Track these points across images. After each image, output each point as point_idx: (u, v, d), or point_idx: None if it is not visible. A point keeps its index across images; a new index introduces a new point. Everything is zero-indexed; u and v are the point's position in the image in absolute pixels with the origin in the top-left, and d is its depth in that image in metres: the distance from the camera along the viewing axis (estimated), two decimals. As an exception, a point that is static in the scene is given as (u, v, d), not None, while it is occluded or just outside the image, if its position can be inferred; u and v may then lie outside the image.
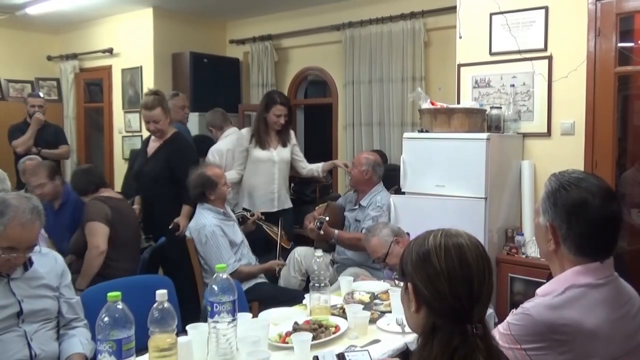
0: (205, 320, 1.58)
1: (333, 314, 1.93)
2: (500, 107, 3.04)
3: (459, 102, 3.22)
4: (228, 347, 1.53)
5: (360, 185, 3.14)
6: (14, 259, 1.64)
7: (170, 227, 2.97)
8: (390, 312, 1.95)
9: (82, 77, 5.77)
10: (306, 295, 2.06)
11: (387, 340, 1.74)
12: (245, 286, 2.68)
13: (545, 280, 1.30)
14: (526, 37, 3.02)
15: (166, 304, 1.41)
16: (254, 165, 3.53)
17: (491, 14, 3.13)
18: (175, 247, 2.88)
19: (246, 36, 5.19)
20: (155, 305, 1.41)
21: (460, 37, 3.27)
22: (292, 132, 3.64)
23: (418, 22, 4.06)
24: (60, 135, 4.70)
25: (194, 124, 4.50)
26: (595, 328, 1.14)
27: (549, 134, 2.99)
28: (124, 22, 5.21)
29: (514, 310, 1.22)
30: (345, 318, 1.85)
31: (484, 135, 2.81)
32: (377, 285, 2.32)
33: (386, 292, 2.13)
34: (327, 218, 3.03)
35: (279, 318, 1.92)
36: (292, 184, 4.10)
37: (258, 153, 3.51)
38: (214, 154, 3.74)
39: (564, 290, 1.18)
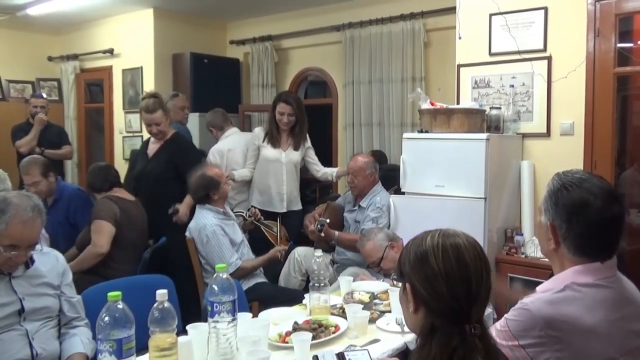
0: (206, 320, 1.58)
1: (333, 314, 1.93)
2: (500, 108, 3.04)
3: (458, 103, 3.22)
4: (228, 347, 1.53)
5: (366, 189, 3.13)
6: (15, 257, 1.64)
7: (170, 211, 2.97)
8: (389, 311, 1.96)
9: (83, 78, 5.78)
10: (306, 295, 2.06)
11: (386, 340, 1.75)
12: (246, 286, 2.69)
13: (546, 280, 1.30)
14: (525, 37, 3.02)
15: (166, 304, 1.41)
16: (263, 164, 3.56)
17: (491, 15, 3.13)
18: (175, 247, 2.88)
19: (246, 37, 5.20)
20: (155, 305, 1.41)
21: (460, 38, 3.27)
22: (307, 136, 3.60)
23: (418, 22, 4.06)
24: (63, 136, 4.72)
25: (194, 124, 4.51)
26: (593, 326, 1.14)
27: (548, 134, 2.99)
28: (125, 22, 5.21)
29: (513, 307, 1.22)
30: (345, 318, 1.86)
31: (484, 135, 2.82)
32: (377, 285, 2.32)
33: (386, 292, 2.13)
34: (328, 220, 3.03)
35: (279, 318, 1.93)
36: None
37: (267, 152, 3.53)
38: (215, 154, 3.75)
39: (564, 288, 1.18)
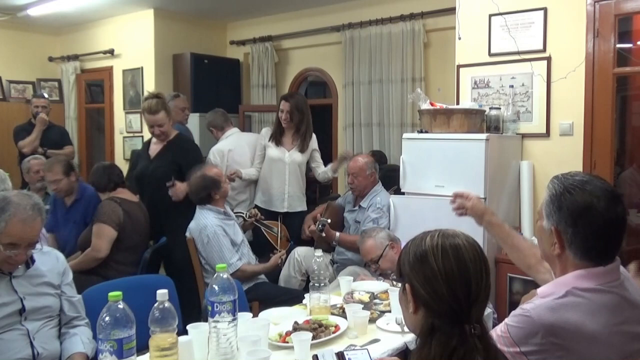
0: (206, 320, 1.59)
1: (333, 314, 1.94)
2: (499, 108, 3.05)
3: (458, 103, 3.23)
4: (228, 347, 1.54)
5: (367, 189, 3.14)
6: (15, 256, 1.64)
7: (168, 184, 2.93)
8: (389, 311, 1.96)
9: (83, 78, 5.79)
10: (306, 295, 2.07)
11: (386, 340, 1.75)
12: (246, 286, 2.69)
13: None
14: (525, 38, 3.03)
15: (167, 304, 1.42)
16: (267, 163, 3.59)
17: (490, 15, 3.14)
18: (176, 247, 2.89)
19: (246, 37, 5.21)
20: (156, 304, 1.42)
21: (460, 38, 3.28)
22: (314, 137, 3.59)
23: (417, 23, 4.07)
24: (65, 136, 4.74)
25: (194, 124, 4.52)
26: (595, 333, 1.13)
27: (547, 134, 3.00)
28: (125, 23, 5.22)
29: (514, 311, 1.22)
30: (345, 317, 1.86)
31: (483, 135, 2.82)
32: (377, 285, 2.32)
33: (385, 291, 2.14)
34: (329, 220, 3.04)
35: (279, 317, 1.93)
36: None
37: (271, 151, 3.56)
38: (215, 154, 3.76)
39: (565, 294, 1.17)
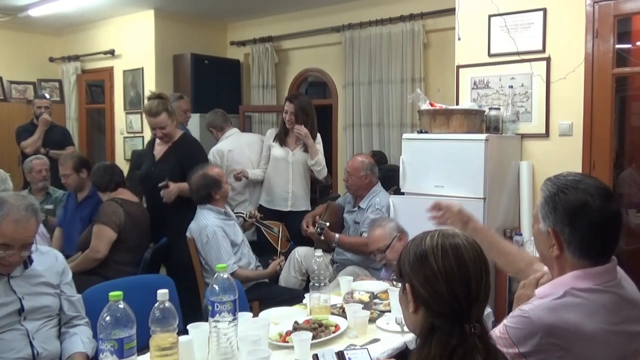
0: (206, 320, 1.59)
1: (333, 313, 1.94)
2: (499, 108, 3.05)
3: (457, 103, 3.24)
4: (229, 346, 1.54)
5: (360, 190, 3.15)
6: (9, 257, 1.63)
7: (160, 184, 2.88)
8: (389, 311, 1.97)
9: (84, 79, 5.80)
10: (306, 295, 2.07)
11: (386, 340, 1.76)
12: (246, 286, 2.70)
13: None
14: (524, 38, 3.03)
15: (167, 304, 1.42)
16: (271, 163, 3.61)
17: (490, 16, 3.14)
18: (177, 247, 2.90)
19: (247, 38, 5.22)
20: (156, 304, 1.42)
21: (459, 39, 3.28)
22: (318, 137, 3.58)
23: (417, 23, 4.08)
24: (67, 137, 4.76)
25: (194, 125, 4.53)
26: (593, 333, 1.14)
27: (547, 134, 3.01)
28: (126, 24, 5.23)
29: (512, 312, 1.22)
30: (345, 317, 1.86)
31: (483, 136, 2.82)
32: (377, 285, 2.33)
33: (385, 291, 2.14)
34: (328, 223, 3.05)
35: (279, 317, 1.94)
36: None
37: (275, 151, 3.57)
38: (215, 154, 3.77)
39: (564, 294, 1.17)
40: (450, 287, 0.97)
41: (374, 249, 2.58)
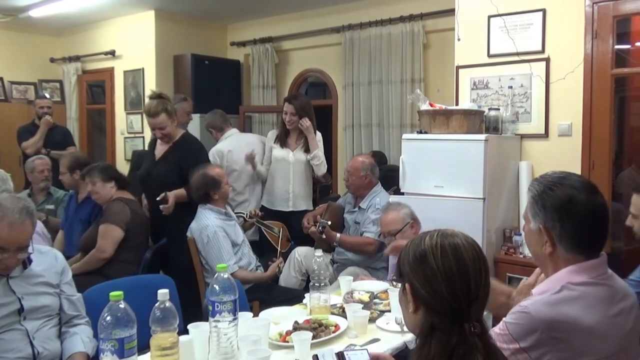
0: (207, 320, 1.59)
1: (333, 313, 1.95)
2: (498, 109, 3.06)
3: (457, 104, 3.24)
4: (229, 346, 1.54)
5: (360, 190, 3.16)
6: (4, 260, 1.63)
7: (158, 198, 2.86)
8: (389, 311, 1.97)
9: (85, 79, 5.81)
10: (306, 295, 2.08)
11: (386, 339, 1.76)
12: (246, 286, 2.71)
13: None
14: (524, 39, 3.04)
15: (168, 303, 1.43)
16: (273, 164, 3.62)
17: (489, 17, 3.15)
18: (176, 247, 2.90)
19: (247, 38, 5.23)
20: (157, 304, 1.42)
21: (459, 40, 3.29)
22: (318, 135, 3.58)
23: (417, 24, 4.09)
24: (68, 137, 4.76)
25: (195, 125, 4.52)
26: (593, 325, 1.15)
27: (546, 135, 3.01)
28: (126, 24, 5.24)
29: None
30: (345, 317, 1.87)
31: (482, 136, 2.83)
32: (376, 285, 2.34)
33: (385, 291, 2.15)
34: (329, 222, 3.05)
35: (280, 317, 1.94)
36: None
37: (276, 152, 3.59)
38: (215, 154, 3.78)
39: (561, 289, 1.19)
40: (450, 287, 0.98)
41: (385, 232, 2.55)
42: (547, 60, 2.98)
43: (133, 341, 1.37)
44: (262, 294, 2.75)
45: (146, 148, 3.96)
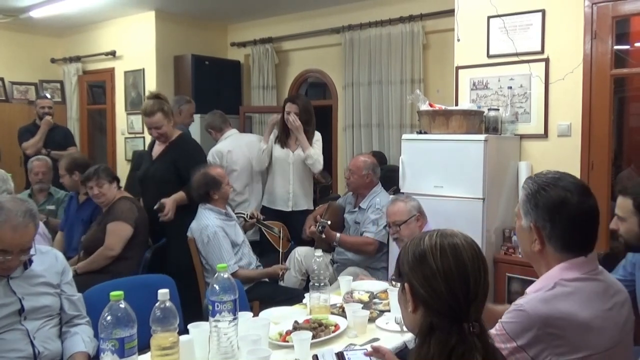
0: (207, 319, 1.60)
1: (333, 313, 1.95)
2: (498, 109, 3.07)
3: (457, 104, 3.25)
4: (229, 346, 1.55)
5: (361, 189, 3.16)
6: (7, 262, 1.64)
7: (155, 207, 2.86)
8: (389, 311, 1.98)
9: (85, 80, 5.82)
10: (306, 295, 2.08)
11: (385, 339, 1.77)
12: (246, 285, 2.71)
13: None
14: (523, 40, 3.05)
15: (168, 303, 1.43)
16: (273, 164, 3.63)
17: (489, 17, 3.16)
18: (177, 246, 2.91)
19: (247, 39, 5.23)
20: (157, 304, 1.43)
21: (459, 40, 3.30)
22: (317, 135, 3.58)
23: (417, 25, 4.09)
24: (69, 137, 4.76)
25: (195, 125, 4.53)
26: (588, 320, 1.17)
27: (546, 135, 3.02)
28: (127, 25, 5.25)
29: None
30: (345, 317, 1.88)
31: (482, 136, 2.84)
32: (376, 285, 2.35)
33: (385, 291, 2.16)
34: (329, 222, 3.05)
35: (280, 317, 1.95)
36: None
37: (276, 152, 3.60)
38: (214, 155, 3.79)
39: (554, 286, 1.21)
40: (449, 286, 0.98)
41: (390, 222, 2.55)
42: (547, 60, 2.99)
43: (133, 341, 1.37)
44: (262, 294, 2.75)
45: (146, 148, 3.97)
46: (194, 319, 1.73)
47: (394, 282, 2.19)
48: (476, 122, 2.98)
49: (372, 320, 1.89)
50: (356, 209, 3.20)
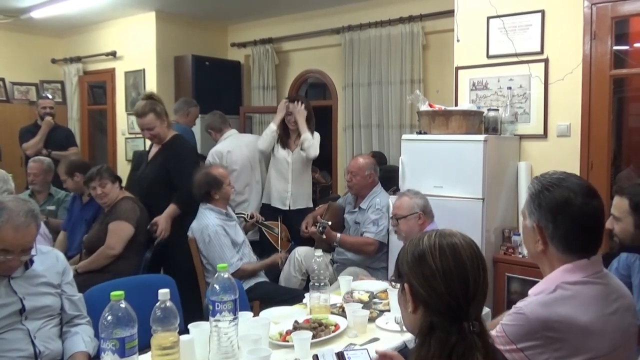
0: (207, 319, 1.60)
1: (333, 313, 1.96)
2: (498, 110, 3.07)
3: (456, 105, 3.25)
4: (229, 346, 1.55)
5: (364, 190, 3.16)
6: (8, 262, 1.64)
7: (147, 227, 2.85)
8: (389, 311, 1.98)
9: (86, 80, 5.82)
10: (306, 295, 2.09)
11: (385, 339, 1.77)
12: (247, 285, 2.72)
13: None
14: (523, 40, 3.05)
15: (168, 303, 1.44)
16: (273, 163, 3.66)
17: (488, 18, 3.16)
18: (177, 246, 2.91)
19: (247, 39, 5.24)
20: (157, 304, 1.43)
21: (458, 41, 3.30)
22: (316, 135, 3.59)
23: (416, 25, 4.10)
24: (70, 138, 4.77)
25: (196, 126, 4.54)
26: (588, 324, 1.17)
27: (545, 135, 3.02)
28: (127, 25, 5.26)
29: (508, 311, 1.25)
30: (345, 317, 1.88)
31: (481, 137, 2.84)
32: (376, 285, 2.35)
33: (385, 291, 2.17)
34: (330, 222, 3.06)
35: (280, 317, 1.95)
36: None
37: (277, 152, 3.63)
38: (214, 155, 3.80)
39: (555, 289, 1.20)
40: (449, 286, 0.98)
41: (393, 214, 2.57)
42: (546, 61, 2.99)
43: (134, 340, 1.37)
44: (262, 294, 2.76)
45: (147, 149, 3.98)
46: (194, 318, 1.74)
47: (393, 283, 2.21)
48: (476, 122, 2.99)
49: (372, 320, 1.90)
50: (356, 210, 3.21)
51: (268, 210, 3.58)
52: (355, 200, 3.25)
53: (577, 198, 1.23)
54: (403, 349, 1.72)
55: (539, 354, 1.15)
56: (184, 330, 1.62)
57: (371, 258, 3.07)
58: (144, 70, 5.15)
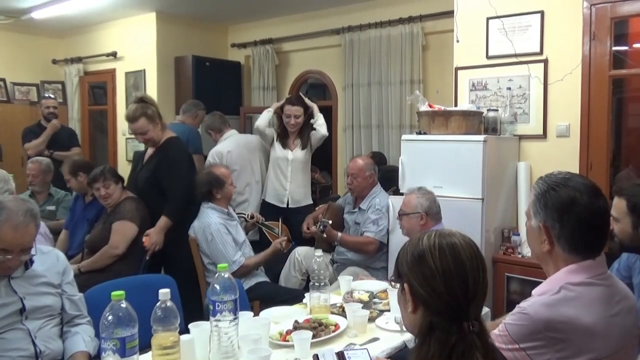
0: (208, 319, 1.61)
1: (333, 313, 1.97)
2: (497, 110, 3.08)
3: (456, 105, 3.26)
4: (230, 345, 1.56)
5: (365, 190, 3.16)
6: (8, 261, 1.65)
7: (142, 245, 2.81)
8: (388, 310, 1.99)
9: (87, 80, 5.83)
10: (306, 294, 2.10)
11: (385, 339, 1.78)
12: (247, 285, 2.73)
13: (542, 280, 1.32)
14: (522, 41, 3.06)
15: (169, 303, 1.44)
16: (272, 162, 3.68)
17: (488, 18, 3.17)
18: (177, 246, 2.92)
19: (247, 40, 5.25)
20: (158, 304, 1.44)
21: (458, 41, 3.31)
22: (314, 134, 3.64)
23: (416, 26, 4.10)
24: (74, 138, 4.78)
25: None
26: (591, 325, 1.17)
27: (544, 136, 3.03)
28: (128, 26, 5.26)
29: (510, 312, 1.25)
30: (345, 317, 1.89)
31: (481, 137, 2.85)
32: (376, 285, 2.36)
33: (385, 291, 2.17)
34: (330, 222, 3.07)
35: (280, 316, 1.96)
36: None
37: (276, 151, 3.66)
38: (214, 155, 3.81)
39: (559, 289, 1.20)
40: (448, 286, 0.98)
41: (399, 210, 2.59)
42: (545, 61, 3.00)
43: (134, 340, 1.38)
44: (262, 294, 2.77)
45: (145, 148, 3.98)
46: (194, 318, 1.74)
47: (393, 283, 2.21)
48: (475, 122, 2.99)
49: (372, 319, 1.90)
50: (356, 210, 3.21)
51: (266, 208, 3.61)
52: (355, 201, 3.26)
53: (583, 197, 1.22)
54: (403, 349, 1.72)
55: (541, 354, 1.15)
56: (185, 330, 1.62)
57: (371, 258, 3.08)
58: (144, 70, 5.16)
